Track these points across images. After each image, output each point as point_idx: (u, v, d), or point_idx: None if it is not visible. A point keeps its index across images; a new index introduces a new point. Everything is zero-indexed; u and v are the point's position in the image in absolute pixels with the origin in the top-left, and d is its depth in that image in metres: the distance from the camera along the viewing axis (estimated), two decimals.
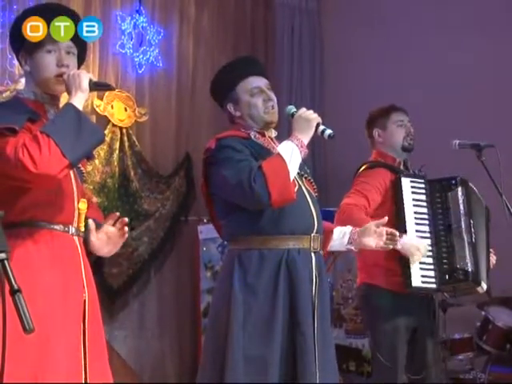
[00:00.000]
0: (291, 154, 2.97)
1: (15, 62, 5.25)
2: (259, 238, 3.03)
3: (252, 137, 3.16)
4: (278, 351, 2.92)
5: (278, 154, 2.97)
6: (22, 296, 1.73)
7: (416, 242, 3.75)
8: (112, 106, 5.82)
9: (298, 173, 3.11)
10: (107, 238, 2.71)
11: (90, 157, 2.81)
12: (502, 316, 4.91)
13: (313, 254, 3.08)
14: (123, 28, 5.93)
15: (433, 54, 6.08)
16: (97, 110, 5.71)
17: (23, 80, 5.10)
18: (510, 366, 4.95)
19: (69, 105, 2.48)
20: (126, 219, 2.73)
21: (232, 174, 2.96)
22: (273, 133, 3.26)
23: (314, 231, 3.09)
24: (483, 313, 4.93)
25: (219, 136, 3.13)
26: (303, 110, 3.08)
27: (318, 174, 6.61)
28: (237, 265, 3.02)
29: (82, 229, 2.65)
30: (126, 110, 5.89)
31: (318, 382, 2.92)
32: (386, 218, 3.27)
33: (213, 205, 3.19)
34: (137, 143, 5.96)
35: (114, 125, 5.84)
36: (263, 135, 3.20)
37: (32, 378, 2.37)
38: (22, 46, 2.62)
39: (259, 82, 3.20)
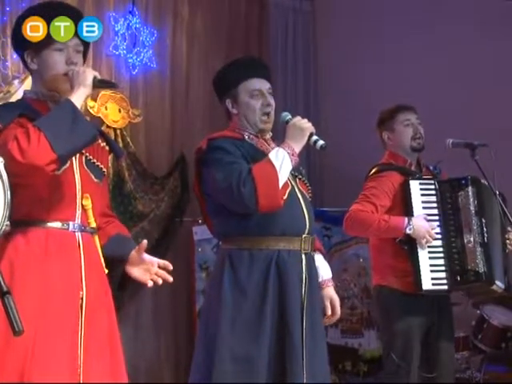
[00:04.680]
0: (282, 161, 2.99)
1: (8, 63, 5.24)
2: (250, 238, 3.05)
3: (246, 138, 3.16)
4: (265, 351, 2.94)
5: (269, 160, 2.99)
6: (12, 298, 1.72)
7: (425, 223, 3.78)
8: (106, 108, 5.81)
9: (292, 174, 3.12)
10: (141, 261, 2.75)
11: (118, 155, 2.91)
12: (498, 315, 4.91)
13: (303, 256, 3.08)
14: (116, 29, 5.92)
15: (429, 53, 6.08)
16: (90, 111, 5.69)
17: (16, 81, 5.18)
18: (505, 364, 4.94)
19: (66, 101, 2.51)
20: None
21: (222, 177, 2.98)
22: (267, 135, 3.26)
23: (306, 233, 3.10)
24: (478, 312, 4.93)
25: (211, 136, 3.15)
26: (298, 118, 3.11)
27: (312, 175, 6.61)
28: (227, 264, 3.04)
29: (93, 224, 2.65)
30: (119, 111, 5.87)
31: (304, 381, 2.92)
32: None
33: (205, 204, 3.20)
34: (131, 144, 5.94)
35: (108, 126, 5.81)
36: (257, 137, 3.20)
37: (18, 378, 2.37)
38: (29, 44, 2.64)
39: (261, 84, 3.21)
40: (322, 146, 3.06)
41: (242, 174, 2.94)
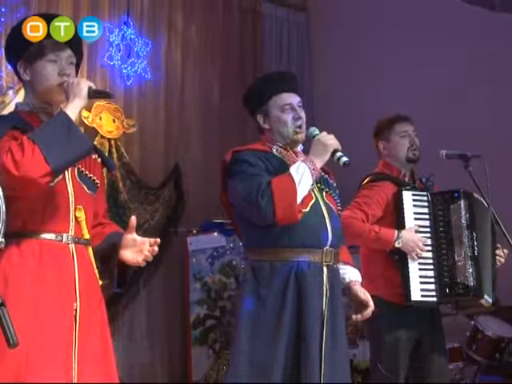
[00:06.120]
0: (302, 175, 3.04)
1: (3, 74, 5.25)
2: (271, 249, 3.09)
3: (274, 151, 3.20)
4: (282, 360, 2.97)
5: (289, 174, 3.04)
6: (7, 310, 1.72)
7: (414, 237, 3.78)
8: (100, 118, 5.82)
9: (318, 187, 3.17)
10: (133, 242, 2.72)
11: (110, 169, 2.90)
12: (492, 325, 4.90)
13: (325, 268, 3.09)
14: (111, 40, 5.94)
15: (422, 63, 6.10)
16: (85, 121, 5.70)
17: (11, 92, 5.19)
18: (499, 375, 4.94)
19: (61, 113, 2.51)
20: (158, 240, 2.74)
21: (242, 188, 3.04)
22: (298, 147, 3.29)
23: (328, 245, 3.10)
24: (472, 322, 4.92)
25: (235, 149, 3.21)
26: (323, 133, 3.16)
27: None
28: (251, 275, 3.09)
29: (86, 236, 2.65)
30: (114, 121, 5.88)
31: None
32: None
33: (232, 214, 3.24)
34: (125, 155, 5.95)
35: (102, 136, 5.83)
36: (286, 150, 3.24)
37: None
38: (22, 55, 2.65)
39: (292, 99, 3.26)
40: (345, 163, 3.09)
41: (261, 186, 2.99)
